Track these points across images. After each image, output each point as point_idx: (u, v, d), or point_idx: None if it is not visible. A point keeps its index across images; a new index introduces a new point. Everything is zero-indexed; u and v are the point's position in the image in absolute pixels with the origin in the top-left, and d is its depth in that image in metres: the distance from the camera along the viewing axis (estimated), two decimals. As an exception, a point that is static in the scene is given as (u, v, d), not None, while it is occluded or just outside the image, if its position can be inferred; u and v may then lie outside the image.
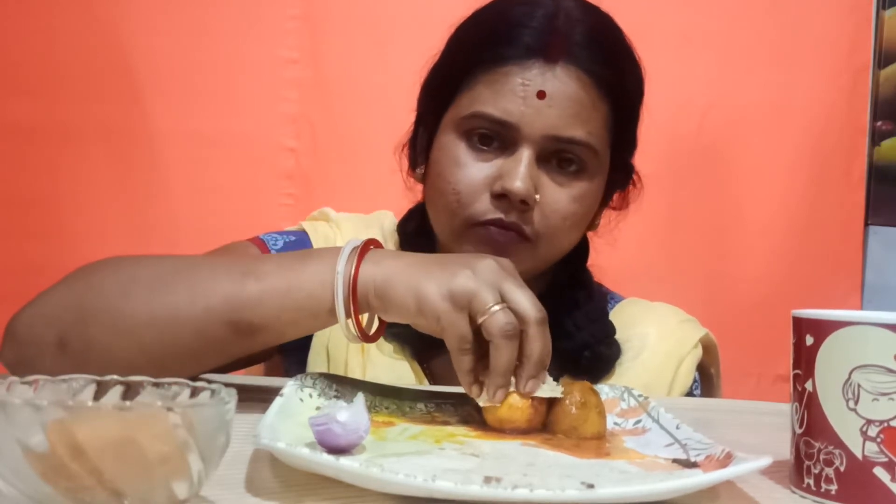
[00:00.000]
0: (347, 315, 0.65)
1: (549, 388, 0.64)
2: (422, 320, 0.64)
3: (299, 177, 1.66)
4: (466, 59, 0.86)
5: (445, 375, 0.90)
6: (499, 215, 0.82)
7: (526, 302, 0.62)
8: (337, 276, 0.64)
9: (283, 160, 1.66)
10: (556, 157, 0.84)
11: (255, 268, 0.67)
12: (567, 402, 0.63)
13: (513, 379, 0.63)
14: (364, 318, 0.68)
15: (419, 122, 0.93)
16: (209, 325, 0.66)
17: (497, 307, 0.61)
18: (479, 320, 0.61)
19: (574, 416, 0.62)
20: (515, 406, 0.62)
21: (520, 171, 0.81)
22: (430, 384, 0.90)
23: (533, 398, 0.63)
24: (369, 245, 0.67)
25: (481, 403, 0.63)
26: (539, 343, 0.62)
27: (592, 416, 0.63)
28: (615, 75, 0.85)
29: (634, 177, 0.95)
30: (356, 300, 0.65)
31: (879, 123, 1.79)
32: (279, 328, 0.67)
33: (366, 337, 0.68)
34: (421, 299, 0.62)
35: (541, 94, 0.81)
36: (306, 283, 0.65)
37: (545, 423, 0.64)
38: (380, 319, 0.70)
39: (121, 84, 1.61)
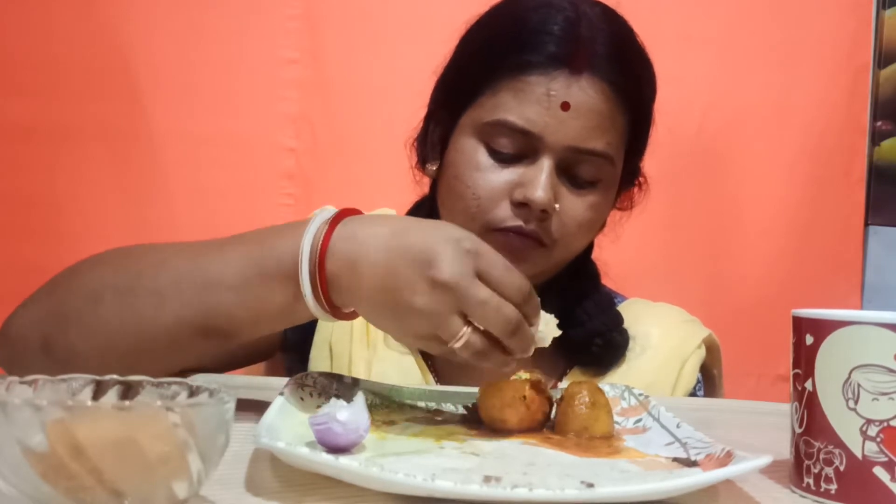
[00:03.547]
0: (323, 313, 0.62)
1: (549, 328, 0.64)
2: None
3: (299, 177, 1.66)
4: (488, 61, 0.85)
5: (450, 372, 0.90)
6: (518, 223, 0.83)
7: (491, 316, 0.58)
8: (305, 297, 0.61)
9: (283, 160, 1.65)
10: (575, 166, 0.84)
11: (218, 275, 0.64)
12: (577, 402, 0.63)
13: (512, 378, 0.64)
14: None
15: (430, 117, 0.93)
16: (180, 333, 0.65)
17: (462, 336, 0.58)
18: (449, 347, 0.59)
19: (585, 415, 0.62)
20: (507, 406, 0.62)
21: (541, 180, 0.81)
22: (435, 380, 0.90)
23: (525, 396, 0.63)
24: (331, 232, 0.61)
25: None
26: (517, 342, 0.60)
27: (602, 416, 0.63)
28: (634, 85, 0.86)
29: (641, 178, 0.96)
30: (328, 295, 0.61)
31: (879, 123, 1.79)
32: (252, 331, 0.67)
33: (344, 316, 0.65)
34: (393, 335, 0.66)
35: (565, 106, 0.81)
36: (273, 297, 0.62)
37: (544, 422, 0.64)
38: None
39: (120, 84, 1.61)
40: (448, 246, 0.59)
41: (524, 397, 0.63)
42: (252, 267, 0.63)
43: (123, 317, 0.66)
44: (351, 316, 0.65)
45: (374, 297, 0.60)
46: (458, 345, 0.58)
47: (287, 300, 0.62)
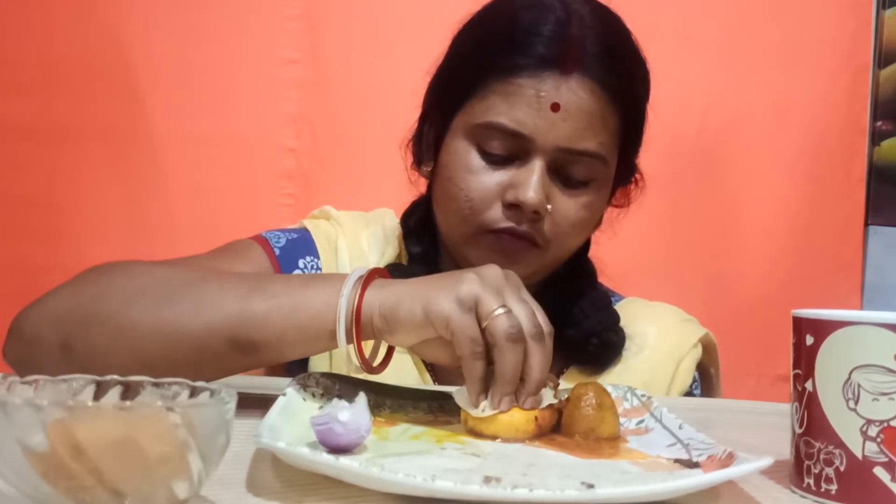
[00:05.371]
0: (349, 340, 0.64)
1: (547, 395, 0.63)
2: (430, 330, 0.62)
3: (299, 177, 1.66)
4: (478, 63, 0.85)
5: (448, 372, 0.90)
6: (511, 224, 0.83)
7: (524, 315, 0.61)
8: (341, 298, 0.63)
9: (283, 160, 1.65)
10: (567, 167, 0.84)
11: (263, 285, 0.67)
12: (583, 403, 0.62)
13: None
14: (368, 347, 0.67)
15: (424, 118, 0.93)
16: (210, 341, 0.65)
17: (501, 310, 0.60)
18: (484, 324, 0.60)
19: (591, 417, 0.62)
20: (521, 428, 0.61)
21: (532, 182, 0.81)
22: (433, 380, 0.90)
23: (537, 416, 0.61)
24: (374, 274, 0.66)
25: (480, 414, 0.61)
26: (538, 357, 0.61)
27: (609, 417, 0.62)
28: (626, 84, 0.86)
29: (637, 175, 0.95)
30: (359, 323, 0.63)
31: (879, 123, 1.79)
32: (280, 348, 0.66)
33: (369, 367, 0.66)
34: (429, 307, 0.61)
35: (555, 107, 0.81)
36: (311, 304, 0.64)
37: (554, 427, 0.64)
38: (387, 350, 0.69)
39: (120, 84, 1.61)
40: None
41: (536, 417, 0.61)
42: (297, 282, 0.68)
43: (157, 318, 0.66)
44: (380, 368, 0.68)
45: (429, 277, 0.65)
46: (489, 320, 0.60)
47: (324, 303, 0.64)
